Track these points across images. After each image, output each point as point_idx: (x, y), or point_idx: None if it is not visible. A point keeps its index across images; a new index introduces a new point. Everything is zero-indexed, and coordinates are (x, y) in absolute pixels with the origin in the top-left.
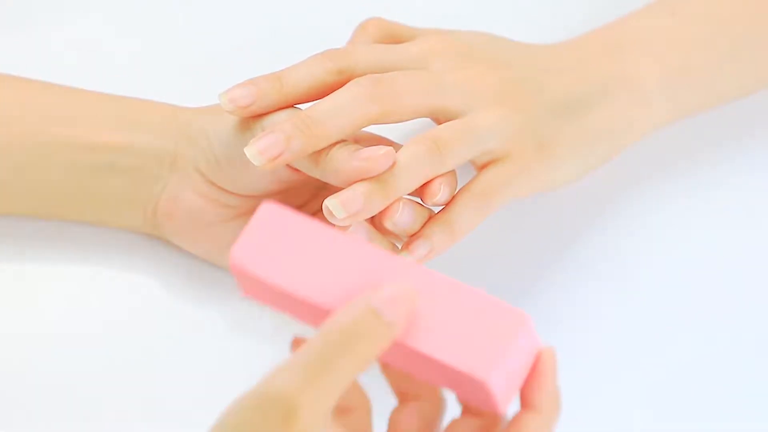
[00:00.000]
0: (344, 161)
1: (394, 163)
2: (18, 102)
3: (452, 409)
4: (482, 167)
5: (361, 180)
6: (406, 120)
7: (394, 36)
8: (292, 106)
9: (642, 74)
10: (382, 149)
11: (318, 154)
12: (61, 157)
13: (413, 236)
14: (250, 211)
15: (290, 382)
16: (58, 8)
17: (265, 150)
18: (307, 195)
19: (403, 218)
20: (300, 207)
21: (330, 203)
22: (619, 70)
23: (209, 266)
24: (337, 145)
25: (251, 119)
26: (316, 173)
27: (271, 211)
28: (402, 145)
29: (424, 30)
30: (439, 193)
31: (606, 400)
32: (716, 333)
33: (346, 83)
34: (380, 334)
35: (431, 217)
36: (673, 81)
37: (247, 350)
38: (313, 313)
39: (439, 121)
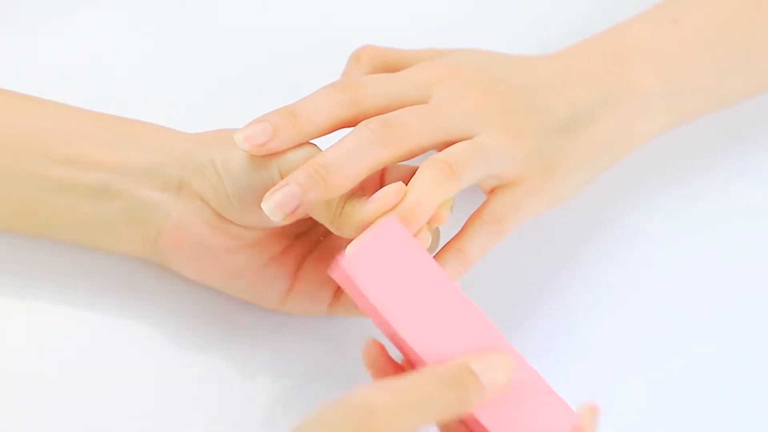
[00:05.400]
0: (357, 213)
1: (406, 193)
2: (9, 116)
3: None
4: (491, 191)
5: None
6: (416, 156)
7: (388, 62)
8: (307, 142)
9: (642, 83)
10: (392, 188)
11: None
12: (52, 175)
13: None
14: (257, 242)
15: (374, 392)
16: (58, 20)
17: (283, 204)
18: (310, 222)
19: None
20: (304, 233)
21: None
22: (620, 79)
23: (203, 308)
24: (348, 203)
25: (265, 156)
26: (330, 227)
27: (390, 227)
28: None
29: (417, 52)
30: (443, 218)
31: (610, 407)
32: (719, 339)
33: (358, 116)
34: (473, 391)
35: (445, 245)
36: (674, 89)
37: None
38: (399, 342)
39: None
